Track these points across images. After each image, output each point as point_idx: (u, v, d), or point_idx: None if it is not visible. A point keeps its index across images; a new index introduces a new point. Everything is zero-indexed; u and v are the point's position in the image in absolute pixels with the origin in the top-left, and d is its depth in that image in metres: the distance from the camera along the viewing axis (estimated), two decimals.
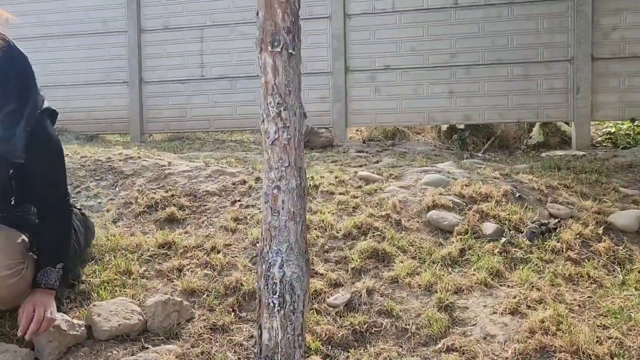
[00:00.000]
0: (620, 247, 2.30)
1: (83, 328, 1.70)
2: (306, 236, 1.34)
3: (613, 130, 5.63)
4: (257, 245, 2.26)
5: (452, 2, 5.52)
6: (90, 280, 2.00)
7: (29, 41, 6.65)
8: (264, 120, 1.30)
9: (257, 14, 1.30)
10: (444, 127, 6.01)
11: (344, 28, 5.83)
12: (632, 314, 1.77)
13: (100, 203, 2.80)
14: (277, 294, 1.28)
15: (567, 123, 5.63)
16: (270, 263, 1.30)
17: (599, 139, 5.62)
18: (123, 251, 2.24)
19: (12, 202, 1.73)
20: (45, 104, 1.68)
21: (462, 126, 5.69)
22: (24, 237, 1.70)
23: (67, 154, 3.45)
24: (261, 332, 1.32)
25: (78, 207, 2.05)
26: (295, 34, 1.29)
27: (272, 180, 1.29)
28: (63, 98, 6.62)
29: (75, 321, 1.70)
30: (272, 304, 1.29)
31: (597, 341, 1.60)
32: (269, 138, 1.29)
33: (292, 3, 1.27)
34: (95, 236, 2.40)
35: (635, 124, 5.39)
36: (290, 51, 1.27)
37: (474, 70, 5.52)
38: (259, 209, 2.56)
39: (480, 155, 4.94)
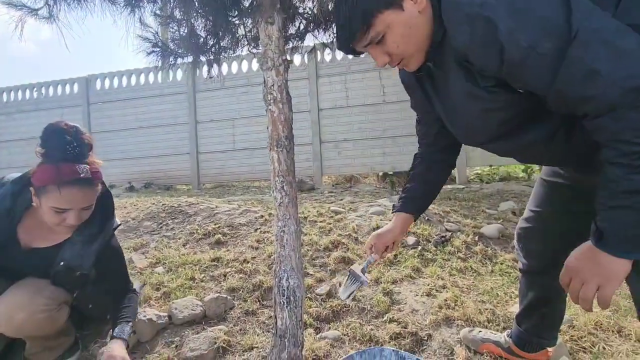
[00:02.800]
0: (489, 249, 2.29)
1: (166, 318, 1.64)
2: (302, 258, 1.32)
3: (479, 171, 5.72)
4: (272, 257, 2.22)
5: (381, 100, 5.64)
6: (170, 285, 1.94)
7: (129, 130, 6.62)
8: (274, 190, 1.29)
9: (268, 128, 1.30)
10: (381, 174, 6.03)
11: (318, 116, 5.90)
12: (498, 293, 1.76)
13: (175, 233, 2.73)
14: (285, 296, 1.24)
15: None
16: (280, 277, 1.27)
17: (472, 177, 5.70)
18: (189, 264, 2.18)
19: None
20: (116, 223, 1.42)
21: (391, 173, 5.72)
22: (66, 294, 1.33)
23: (154, 203, 3.38)
24: (276, 320, 1.27)
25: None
26: (290, 138, 1.29)
27: (279, 227, 1.28)
28: (151, 163, 6.56)
29: (160, 314, 1.64)
30: (282, 302, 1.24)
31: (479, 312, 1.57)
32: (277, 201, 1.28)
33: (289, 121, 1.28)
34: (170, 255, 2.34)
35: (492, 167, 5.49)
36: (287, 150, 1.27)
37: (398, 139, 5.58)
38: (272, 234, 2.53)
39: None
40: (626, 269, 0.69)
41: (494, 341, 1.30)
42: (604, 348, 1.29)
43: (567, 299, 1.19)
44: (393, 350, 1.00)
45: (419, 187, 1.15)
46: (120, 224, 1.46)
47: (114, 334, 1.30)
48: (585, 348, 1.31)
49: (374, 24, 0.78)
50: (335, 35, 0.86)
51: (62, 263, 1.25)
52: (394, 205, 1.20)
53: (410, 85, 1.02)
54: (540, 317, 1.18)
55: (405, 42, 0.80)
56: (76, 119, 6.62)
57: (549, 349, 1.23)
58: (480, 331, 1.37)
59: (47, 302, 1.25)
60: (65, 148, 1.17)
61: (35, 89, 7.11)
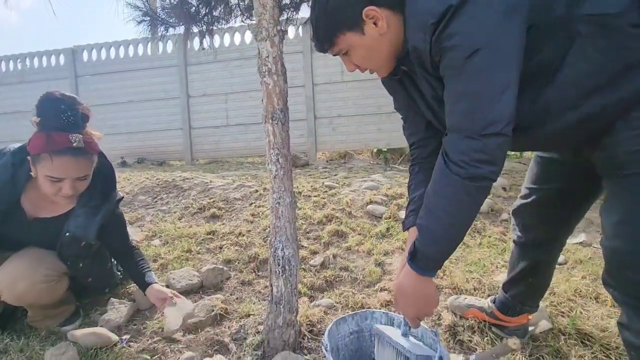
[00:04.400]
0: (478, 222, 2.35)
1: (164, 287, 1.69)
2: (296, 229, 1.36)
3: None
4: (267, 230, 2.26)
5: (377, 75, 5.57)
6: (166, 257, 1.98)
7: (119, 104, 6.49)
8: (269, 163, 1.30)
9: (262, 100, 1.30)
10: (375, 150, 6.05)
11: (313, 92, 5.83)
12: (485, 263, 1.83)
13: (170, 207, 2.76)
14: (280, 265, 1.29)
15: None
16: (275, 247, 1.30)
17: None
18: (186, 237, 2.22)
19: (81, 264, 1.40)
20: (119, 195, 1.46)
21: (385, 149, 5.74)
22: (64, 267, 1.37)
23: (148, 177, 3.39)
24: (272, 288, 1.31)
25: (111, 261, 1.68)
26: (285, 111, 1.29)
27: (275, 199, 1.30)
28: (142, 139, 6.49)
29: (159, 283, 1.68)
30: (277, 271, 1.29)
31: (466, 281, 1.64)
32: (272, 174, 1.30)
33: (283, 94, 1.28)
34: (166, 228, 2.38)
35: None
36: (282, 122, 1.28)
37: (393, 115, 5.54)
38: (267, 208, 2.57)
39: (396, 166, 5.00)
40: (433, 287, 0.80)
41: (479, 307, 1.37)
42: (581, 312, 1.37)
43: (553, 272, 1.26)
44: (383, 312, 1.06)
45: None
46: (123, 197, 1.49)
47: (147, 281, 1.46)
48: (563, 312, 1.39)
49: (337, 43, 0.85)
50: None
51: (67, 234, 1.28)
52: (404, 222, 1.07)
53: (391, 86, 1.03)
54: (526, 286, 1.25)
55: (367, 60, 0.87)
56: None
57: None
58: (465, 298, 1.45)
59: (48, 272, 1.28)
60: (59, 117, 1.17)
61: (19, 60, 6.88)
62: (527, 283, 1.24)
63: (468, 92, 0.67)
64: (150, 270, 1.53)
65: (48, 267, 1.29)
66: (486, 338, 1.29)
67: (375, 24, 0.78)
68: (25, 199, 1.29)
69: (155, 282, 1.49)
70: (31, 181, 1.28)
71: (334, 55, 0.91)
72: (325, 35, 0.85)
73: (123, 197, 1.52)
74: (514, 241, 1.27)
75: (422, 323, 1.06)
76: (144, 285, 1.48)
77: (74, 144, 1.18)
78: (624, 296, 0.78)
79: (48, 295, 1.32)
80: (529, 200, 1.15)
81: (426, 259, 0.80)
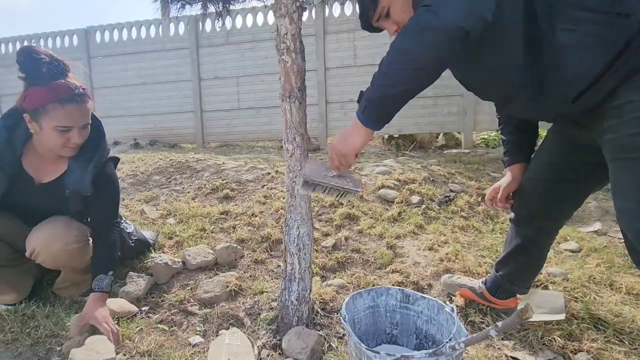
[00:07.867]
0: (491, 209, 2.36)
1: (180, 263, 1.73)
2: (311, 209, 1.37)
3: (486, 136, 5.68)
4: (280, 212, 2.28)
5: None
6: (182, 235, 2.03)
7: (131, 86, 6.52)
8: (285, 142, 1.31)
9: (280, 78, 1.30)
10: (386, 136, 6.01)
11: (325, 76, 5.76)
12: (497, 249, 1.84)
13: (183, 188, 2.80)
14: (295, 243, 1.31)
15: (459, 132, 5.67)
16: (290, 226, 1.32)
17: (478, 142, 5.68)
18: (200, 217, 2.26)
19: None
20: (110, 154, 1.46)
21: (397, 135, 5.69)
22: (89, 230, 1.43)
23: (161, 158, 3.42)
24: (286, 265, 1.34)
25: (121, 227, 1.62)
26: (303, 90, 1.29)
27: (290, 177, 1.31)
28: (154, 121, 6.53)
29: (175, 259, 1.73)
30: (292, 250, 1.31)
31: (479, 265, 1.65)
32: (288, 152, 1.31)
33: (302, 72, 1.28)
34: (180, 208, 2.42)
35: (498, 132, 5.42)
36: (300, 101, 1.28)
37: None
38: (279, 190, 2.59)
39: (408, 153, 4.97)
40: (361, 137, 0.96)
41: (470, 287, 1.39)
42: (595, 298, 1.37)
43: (546, 255, 1.27)
44: (399, 289, 1.07)
45: (519, 136, 1.22)
46: (119, 159, 1.50)
47: (92, 287, 1.27)
48: (577, 298, 1.39)
49: (380, 2, 1.04)
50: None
51: (68, 190, 1.32)
52: (504, 162, 1.27)
53: None
54: (517, 266, 1.27)
55: (405, 11, 1.02)
56: (77, 72, 6.50)
57: (519, 296, 1.32)
58: (459, 277, 1.47)
59: (78, 234, 1.35)
60: (47, 67, 1.17)
61: (33, 40, 6.93)
62: (518, 262, 1.26)
63: None
64: (106, 273, 1.32)
65: (77, 229, 1.36)
66: (497, 320, 1.30)
67: None
68: (27, 164, 1.32)
69: (102, 292, 1.29)
70: (28, 144, 1.30)
71: (377, 22, 1.07)
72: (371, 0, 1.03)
73: (119, 160, 1.50)
74: (510, 219, 1.28)
75: (438, 300, 1.07)
76: (91, 287, 1.31)
77: (75, 91, 1.20)
78: None
79: (80, 256, 1.38)
80: (531, 174, 1.17)
81: (370, 105, 0.95)
